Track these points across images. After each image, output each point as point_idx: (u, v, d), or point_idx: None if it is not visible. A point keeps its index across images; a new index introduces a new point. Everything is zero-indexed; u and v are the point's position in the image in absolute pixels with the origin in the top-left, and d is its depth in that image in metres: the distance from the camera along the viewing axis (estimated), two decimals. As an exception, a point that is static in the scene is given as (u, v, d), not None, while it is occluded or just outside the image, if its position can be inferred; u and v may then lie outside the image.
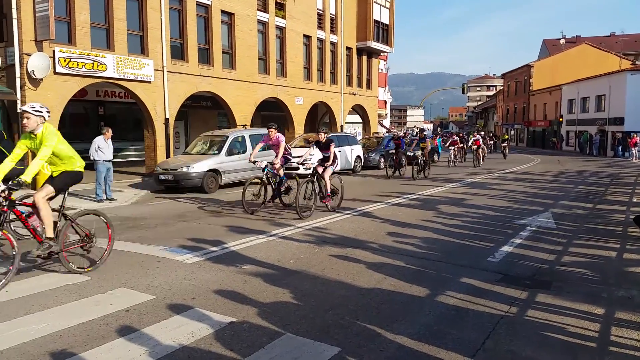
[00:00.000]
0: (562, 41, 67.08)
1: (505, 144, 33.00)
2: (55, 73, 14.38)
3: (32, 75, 13.65)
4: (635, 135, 32.65)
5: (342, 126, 29.11)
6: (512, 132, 46.16)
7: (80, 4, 14.96)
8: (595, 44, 55.00)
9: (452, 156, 25.25)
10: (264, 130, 17.28)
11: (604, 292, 5.25)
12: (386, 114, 48.73)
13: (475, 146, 24.69)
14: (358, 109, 32.18)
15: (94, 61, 15.33)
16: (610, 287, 5.43)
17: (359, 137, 27.56)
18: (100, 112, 20.75)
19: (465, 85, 51.49)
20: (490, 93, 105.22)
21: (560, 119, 47.11)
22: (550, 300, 4.98)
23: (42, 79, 14.00)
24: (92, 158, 11.90)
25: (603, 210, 10.89)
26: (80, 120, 20.11)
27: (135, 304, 4.82)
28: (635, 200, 12.17)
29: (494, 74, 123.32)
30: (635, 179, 18.32)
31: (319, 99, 27.13)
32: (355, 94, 30.51)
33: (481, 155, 25.18)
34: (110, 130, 12.18)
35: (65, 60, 14.54)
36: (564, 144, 46.83)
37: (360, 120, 33.58)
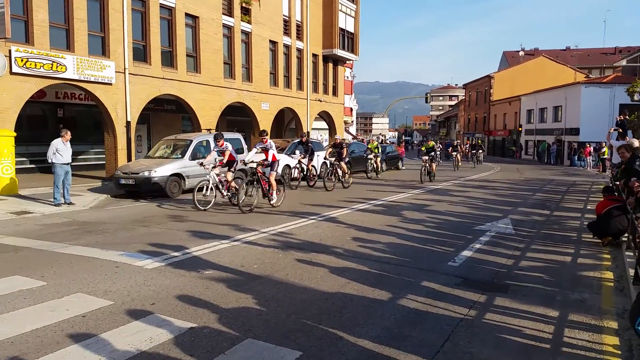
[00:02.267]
0: (521, 53, 69.24)
1: (480, 151, 34.51)
2: (11, 73, 13.87)
3: (-14, 74, 13.14)
4: (589, 145, 34.01)
5: (308, 132, 29.15)
6: (473, 140, 47.16)
7: (38, 2, 14.50)
8: (552, 57, 57.02)
9: (458, 161, 29.47)
10: (229, 135, 17.17)
11: (558, 296, 5.43)
12: (352, 121, 49.09)
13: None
14: (324, 116, 32.33)
15: (53, 62, 14.88)
16: (565, 290, 5.62)
17: (325, 144, 27.65)
18: (59, 114, 20.13)
19: (429, 94, 52.37)
20: (453, 103, 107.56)
21: (520, 129, 48.55)
22: (507, 304, 5.11)
23: (-3, 79, 13.49)
24: (50, 161, 11.55)
25: (559, 217, 11.27)
26: (39, 122, 19.47)
27: (92, 310, 4.69)
28: (589, 207, 12.63)
29: (456, 84, 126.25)
30: (590, 187, 19.04)
31: (285, 104, 27.13)
32: (321, 101, 30.65)
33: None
34: (68, 133, 11.84)
35: (22, 60, 14.06)
36: (523, 152, 48.27)
37: (327, 127, 33.74)
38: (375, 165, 21.76)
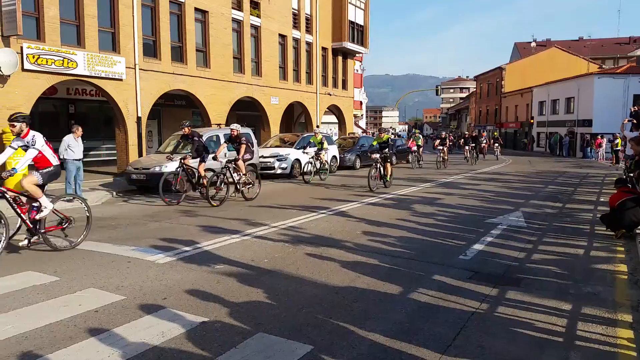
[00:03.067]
0: (533, 44, 68.48)
1: (497, 144, 32.75)
2: (23, 70, 13.98)
3: (-1, 71, 13.26)
4: (599, 137, 33.68)
5: (318, 126, 29.12)
6: (485, 132, 46.74)
7: (50, -1, 14.60)
8: (564, 48, 56.29)
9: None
10: (241, 130, 17.21)
11: (571, 289, 5.38)
12: (362, 115, 48.95)
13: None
14: (334, 109, 32.25)
15: (64, 58, 14.98)
16: (578, 283, 5.57)
17: (334, 138, 27.63)
18: (70, 110, 20.28)
19: (439, 87, 52.05)
20: (463, 95, 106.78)
21: (531, 121, 48.10)
22: (519, 297, 5.07)
23: (9, 76, 13.60)
24: (61, 157, 11.63)
25: (572, 209, 11.15)
26: (50, 118, 19.62)
27: (104, 305, 4.73)
28: (602, 199, 12.50)
29: (467, 76, 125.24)
30: (603, 179, 18.83)
31: (294, 98, 27.09)
32: (330, 94, 30.57)
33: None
34: (80, 129, 11.93)
35: (33, 57, 14.17)
36: (535, 145, 47.83)
37: (336, 121, 33.67)
38: (318, 166, 17.54)
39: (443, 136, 26.42)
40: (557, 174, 20.67)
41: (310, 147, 18.10)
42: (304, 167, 17.37)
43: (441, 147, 24.88)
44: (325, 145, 18.15)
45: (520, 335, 4.14)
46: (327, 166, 18.38)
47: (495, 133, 35.03)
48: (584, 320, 4.50)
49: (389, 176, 14.83)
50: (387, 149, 15.04)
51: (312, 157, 17.37)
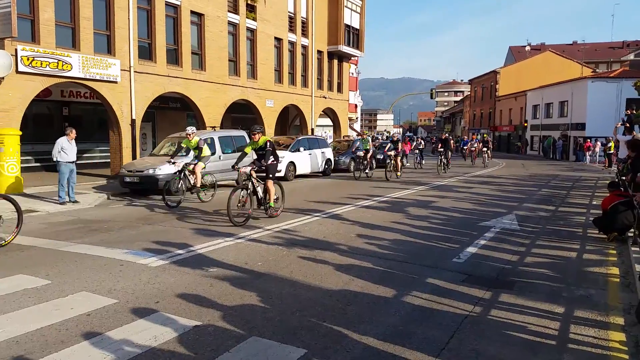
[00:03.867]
0: (528, 48, 68.85)
1: (485, 148, 28.01)
2: (17, 72, 13.92)
3: (-8, 73, 13.20)
4: (588, 140, 34.12)
5: (312, 129, 29.13)
6: (479, 136, 46.84)
7: (45, 1, 14.53)
8: (558, 52, 56.65)
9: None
10: (234, 132, 17.19)
11: (564, 292, 5.40)
12: (357, 118, 48.97)
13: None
14: (329, 112, 32.28)
15: (59, 60, 14.93)
16: (570, 286, 5.59)
17: (329, 140, 27.63)
18: (64, 113, 20.18)
19: (434, 90, 52.31)
20: (458, 98, 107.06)
21: (525, 124, 48.30)
22: (512, 300, 5.08)
23: (3, 78, 13.54)
24: (55, 159, 11.59)
25: (565, 212, 11.21)
26: (44, 120, 19.52)
27: (96, 308, 4.71)
28: (595, 202, 12.55)
29: (462, 80, 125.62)
30: (596, 182, 18.92)
31: (289, 101, 27.10)
32: (326, 97, 30.60)
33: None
34: (74, 131, 11.87)
35: (28, 59, 14.11)
36: (528, 148, 48.03)
37: (331, 124, 33.70)
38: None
39: (444, 137, 26.02)
40: (550, 177, 20.76)
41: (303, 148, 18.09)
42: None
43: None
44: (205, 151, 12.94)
45: (514, 339, 4.16)
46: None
47: (485, 135, 31.57)
48: (576, 323, 4.52)
49: (268, 200, 10.02)
50: (264, 159, 10.28)
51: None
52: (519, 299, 5.12)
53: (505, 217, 10.06)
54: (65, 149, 11.56)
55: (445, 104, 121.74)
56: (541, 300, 5.08)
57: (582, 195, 14.57)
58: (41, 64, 14.45)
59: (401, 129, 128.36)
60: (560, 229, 9.12)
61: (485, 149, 27.89)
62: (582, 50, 65.15)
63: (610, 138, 26.07)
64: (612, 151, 26.52)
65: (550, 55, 54.54)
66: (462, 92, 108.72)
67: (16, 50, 13.83)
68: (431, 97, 53.08)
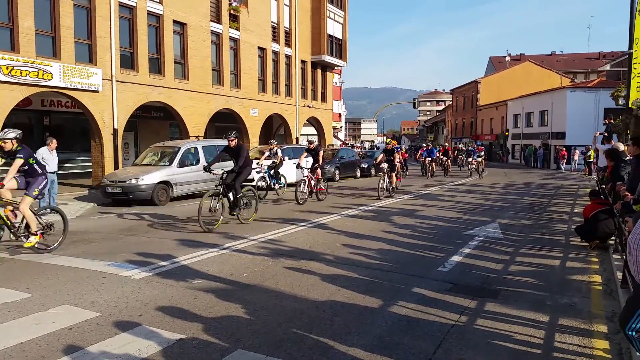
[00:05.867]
0: (508, 58, 69.99)
1: (480, 159, 26.53)
2: (-4, 81, 13.71)
3: (-30, 82, 12.97)
4: (563, 149, 34.91)
5: (297, 138, 29.16)
6: (461, 145, 47.29)
7: (25, 10, 14.37)
8: (538, 62, 57.68)
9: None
10: (218, 142, 17.09)
11: (548, 300, 5.44)
12: (341, 127, 49.23)
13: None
14: (313, 122, 32.36)
15: (39, 69, 14.73)
16: (554, 295, 5.64)
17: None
18: (45, 122, 19.89)
19: (416, 100, 52.84)
20: (440, 108, 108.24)
21: (507, 133, 49.00)
22: (498, 309, 5.11)
23: (-19, 87, 13.31)
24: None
25: (547, 220, 11.35)
26: (24, 130, 19.07)
27: (79, 322, 4.61)
28: (576, 211, 12.74)
29: (444, 89, 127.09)
30: (576, 190, 19.22)
31: (273, 110, 27.10)
32: (310, 107, 30.68)
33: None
34: (54, 141, 11.71)
35: (7, 68, 13.89)
36: (510, 157, 48.70)
37: (316, 133, 33.75)
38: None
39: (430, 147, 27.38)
40: (532, 186, 21.04)
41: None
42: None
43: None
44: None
45: (500, 348, 4.17)
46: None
47: (473, 145, 30.32)
48: (561, 331, 4.55)
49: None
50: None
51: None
52: (504, 307, 5.15)
53: (489, 226, 10.14)
54: (46, 159, 11.39)
55: (428, 113, 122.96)
56: (526, 308, 5.11)
57: (563, 204, 14.78)
58: (21, 73, 14.25)
59: (384, 138, 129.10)
60: (543, 237, 9.22)
61: (480, 159, 26.61)
62: (560, 61, 66.52)
63: (590, 147, 26.55)
64: (592, 160, 27.01)
65: (529, 65, 55.51)
66: (444, 101, 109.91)
67: (-5, 59, 13.62)
68: (414, 107, 53.57)
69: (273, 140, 18.10)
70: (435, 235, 9.14)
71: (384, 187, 15.28)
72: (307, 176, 14.58)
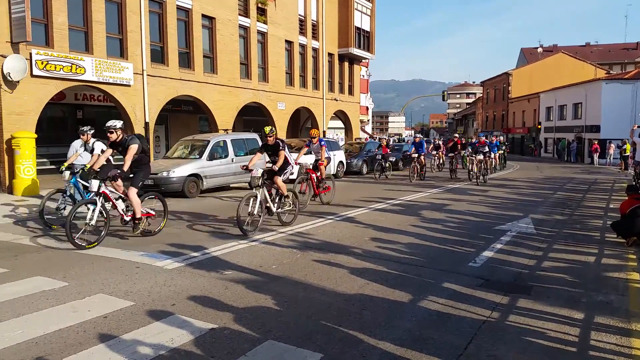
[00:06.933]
0: (540, 50, 68.35)
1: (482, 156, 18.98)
2: (32, 75, 14.08)
3: (8, 77, 13.36)
4: (595, 142, 33.93)
5: (324, 132, 29.15)
6: (494, 138, 46.48)
7: (58, 5, 14.71)
8: (571, 53, 56.15)
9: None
10: (246, 135, 17.22)
11: (583, 297, 5.31)
12: (368, 120, 48.95)
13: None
14: (340, 115, 32.27)
15: (72, 64, 15.08)
16: (590, 292, 5.50)
17: (341, 143, 27.61)
18: (78, 116, 20.36)
19: (445, 92, 51.97)
20: (470, 100, 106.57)
21: (539, 126, 47.91)
22: (530, 305, 5.01)
23: (18, 82, 13.70)
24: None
25: (581, 216, 11.07)
26: (58, 123, 19.73)
27: (113, 311, 4.72)
28: (612, 206, 12.39)
29: (474, 82, 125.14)
30: (612, 185, 18.69)
31: (301, 104, 27.14)
32: (337, 100, 30.60)
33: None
34: (89, 133, 11.93)
35: (42, 63, 14.26)
36: (542, 150, 47.63)
37: (343, 126, 33.67)
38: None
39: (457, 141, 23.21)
40: (565, 180, 20.55)
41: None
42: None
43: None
44: None
45: (533, 345, 4.09)
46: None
47: (496, 138, 27.82)
48: (597, 329, 4.44)
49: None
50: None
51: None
52: (537, 304, 5.05)
53: (521, 221, 9.95)
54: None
55: (457, 105, 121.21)
56: (560, 305, 5.00)
57: (598, 199, 14.39)
58: (55, 67, 14.61)
59: (412, 131, 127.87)
60: (577, 232, 9.00)
61: (483, 157, 19.26)
62: (595, 52, 64.59)
63: (626, 140, 25.76)
64: (628, 154, 26.20)
65: (562, 56, 54.10)
66: (474, 94, 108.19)
67: (30, 54, 13.99)
68: (443, 99, 52.76)
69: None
70: (466, 230, 9.02)
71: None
72: (305, 175, 12.23)
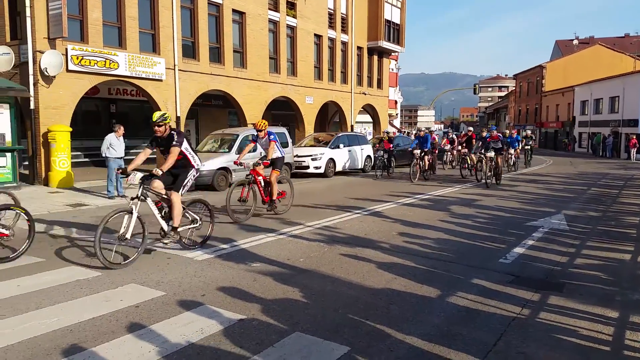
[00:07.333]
0: (575, 42, 66.48)
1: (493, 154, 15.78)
2: (67, 71, 14.47)
3: (45, 72, 13.76)
4: (633, 137, 32.80)
5: (352, 126, 29.06)
6: (524, 133, 45.56)
7: (93, 2, 15.06)
8: (608, 45, 54.40)
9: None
10: (274, 129, 17.29)
11: (617, 295, 5.17)
12: (397, 114, 48.58)
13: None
14: (368, 109, 32.11)
15: (106, 59, 15.42)
16: (625, 290, 5.35)
17: (369, 137, 27.49)
18: (112, 110, 20.88)
19: (477, 85, 50.96)
20: (502, 94, 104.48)
21: (573, 120, 46.65)
22: (562, 303, 4.91)
23: (54, 77, 14.10)
24: (103, 155, 11.98)
25: (616, 212, 10.76)
26: (92, 117, 20.25)
27: (145, 300, 4.83)
28: (649, 202, 12.00)
29: (506, 75, 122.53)
30: (649, 181, 18.09)
31: (329, 98, 27.11)
32: (365, 94, 30.44)
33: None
34: (122, 128, 12.23)
35: (77, 58, 14.64)
36: (577, 145, 46.40)
37: (371, 120, 33.50)
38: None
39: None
40: (600, 176, 19.98)
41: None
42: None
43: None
44: None
45: (564, 343, 4.01)
46: None
47: (518, 132, 25.99)
48: (632, 329, 4.32)
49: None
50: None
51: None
52: (569, 301, 4.94)
53: (553, 217, 9.73)
54: (114, 145, 11.93)
55: (489, 99, 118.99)
56: (593, 303, 4.88)
57: (634, 195, 13.95)
58: (89, 62, 14.97)
59: (442, 125, 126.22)
60: (612, 229, 8.75)
61: (495, 155, 16.13)
62: (634, 43, 62.40)
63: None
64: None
65: (599, 48, 52.47)
66: (507, 87, 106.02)
67: (66, 49, 14.37)
68: (474, 93, 51.79)
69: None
70: (496, 226, 8.88)
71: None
72: (248, 178, 9.63)
